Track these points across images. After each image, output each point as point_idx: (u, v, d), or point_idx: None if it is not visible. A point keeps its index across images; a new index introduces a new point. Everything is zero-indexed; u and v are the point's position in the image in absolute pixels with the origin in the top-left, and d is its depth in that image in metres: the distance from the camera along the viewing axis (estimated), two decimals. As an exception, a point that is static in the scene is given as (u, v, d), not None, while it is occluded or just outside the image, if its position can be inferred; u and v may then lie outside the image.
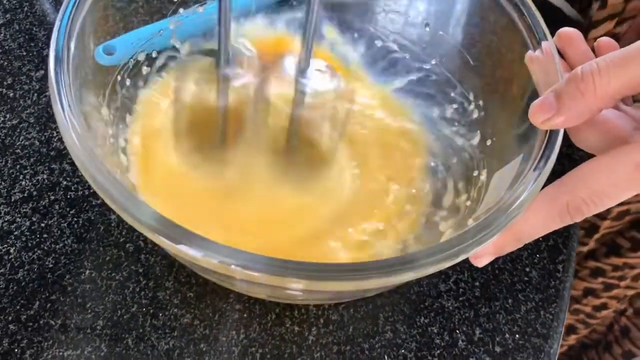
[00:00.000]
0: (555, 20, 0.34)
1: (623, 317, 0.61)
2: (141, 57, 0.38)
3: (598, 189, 0.27)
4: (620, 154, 0.27)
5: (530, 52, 0.32)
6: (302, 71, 0.33)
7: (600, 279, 0.58)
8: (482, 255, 0.30)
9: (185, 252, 0.25)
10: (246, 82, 0.35)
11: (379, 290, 0.36)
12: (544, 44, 0.32)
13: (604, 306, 0.60)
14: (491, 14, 0.35)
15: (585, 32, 0.49)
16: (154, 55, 0.39)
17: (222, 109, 0.34)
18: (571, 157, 0.37)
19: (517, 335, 0.38)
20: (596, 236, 0.56)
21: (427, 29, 0.39)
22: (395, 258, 0.25)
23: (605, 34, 0.47)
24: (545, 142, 0.29)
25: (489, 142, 0.36)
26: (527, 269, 0.40)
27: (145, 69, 0.39)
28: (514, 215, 0.27)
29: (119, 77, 0.36)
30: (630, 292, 0.58)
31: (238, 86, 0.34)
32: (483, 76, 0.37)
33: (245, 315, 0.37)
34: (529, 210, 0.28)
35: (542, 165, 0.28)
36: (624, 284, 0.57)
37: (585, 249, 0.57)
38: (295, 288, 0.25)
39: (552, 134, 0.29)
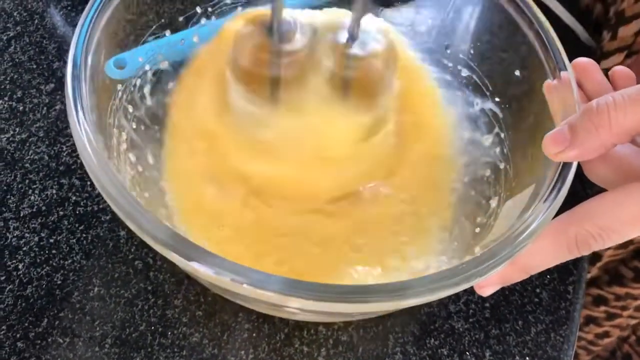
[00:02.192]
0: (567, 41, 0.33)
1: (625, 344, 0.61)
2: (154, 68, 0.38)
3: (606, 225, 0.27)
4: (631, 191, 0.26)
5: (548, 81, 0.32)
6: (352, 37, 0.33)
7: (603, 308, 0.58)
8: (486, 285, 0.30)
9: (198, 269, 0.25)
10: (296, 51, 0.34)
11: (384, 312, 0.36)
12: (562, 74, 0.31)
13: (606, 334, 0.60)
14: (511, 41, 0.35)
15: (597, 61, 0.49)
16: (167, 67, 0.39)
17: (274, 75, 0.34)
18: (582, 176, 0.37)
19: (527, 358, 0.37)
20: (599, 264, 0.56)
21: (448, 51, 0.39)
22: (396, 283, 0.25)
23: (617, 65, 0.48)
24: (558, 173, 0.29)
25: (502, 170, 0.36)
26: (538, 290, 0.40)
27: (159, 80, 0.39)
28: (521, 246, 0.27)
29: (132, 88, 0.36)
30: (633, 322, 0.58)
31: (289, 56, 0.34)
32: (500, 103, 0.37)
33: (254, 334, 0.36)
34: (536, 242, 0.27)
35: (553, 197, 0.28)
36: (626, 313, 0.56)
37: (587, 275, 0.57)
38: (307, 308, 0.25)
39: (566, 165, 0.29)
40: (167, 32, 0.38)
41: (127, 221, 0.26)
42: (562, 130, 0.27)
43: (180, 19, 0.39)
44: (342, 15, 0.39)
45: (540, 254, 0.28)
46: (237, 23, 0.39)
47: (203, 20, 0.40)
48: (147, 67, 0.37)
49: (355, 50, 0.33)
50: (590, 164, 0.30)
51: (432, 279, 0.25)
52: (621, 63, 0.48)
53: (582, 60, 0.33)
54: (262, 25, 0.34)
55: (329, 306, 0.25)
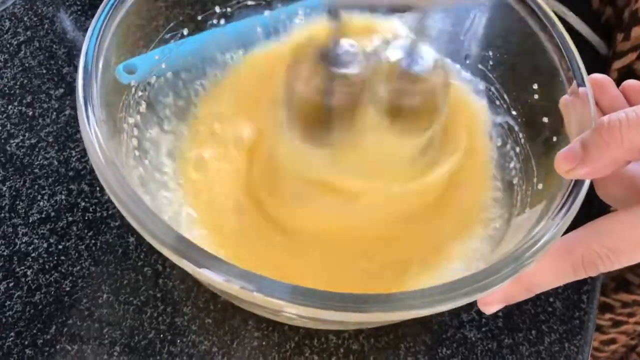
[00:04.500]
0: (578, 47, 0.33)
1: (633, 353, 0.60)
2: (170, 68, 0.38)
3: (614, 246, 0.26)
4: None
5: (565, 97, 0.32)
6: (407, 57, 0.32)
7: (608, 316, 0.57)
8: (489, 303, 0.29)
9: (208, 276, 0.24)
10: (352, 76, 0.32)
11: (391, 322, 0.36)
12: (580, 89, 0.31)
13: (612, 341, 0.59)
14: (530, 55, 0.35)
15: (609, 63, 0.49)
16: (183, 68, 0.38)
17: (329, 103, 0.32)
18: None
19: (540, 368, 0.37)
20: None
21: (467, 61, 0.39)
22: (397, 294, 0.25)
23: (628, 65, 0.47)
24: (569, 191, 0.28)
25: (515, 185, 0.35)
26: (551, 299, 0.40)
27: (176, 80, 0.38)
28: (527, 263, 0.26)
29: (146, 85, 0.36)
30: (640, 328, 0.57)
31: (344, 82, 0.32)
32: (516, 116, 0.37)
33: (263, 343, 0.36)
34: (542, 261, 0.27)
35: (563, 215, 0.27)
36: (633, 320, 0.56)
37: None
38: (320, 317, 0.25)
39: (577, 183, 0.28)
40: (185, 32, 0.38)
41: (136, 225, 0.26)
42: (574, 147, 0.27)
43: (199, 17, 0.38)
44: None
45: (545, 272, 0.28)
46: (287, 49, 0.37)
47: (222, 21, 0.40)
48: (163, 66, 0.37)
49: (410, 70, 0.32)
50: (602, 182, 0.29)
51: (432, 292, 0.25)
52: (634, 61, 0.47)
53: (597, 76, 0.33)
54: (316, 52, 0.32)
55: (338, 315, 0.24)
